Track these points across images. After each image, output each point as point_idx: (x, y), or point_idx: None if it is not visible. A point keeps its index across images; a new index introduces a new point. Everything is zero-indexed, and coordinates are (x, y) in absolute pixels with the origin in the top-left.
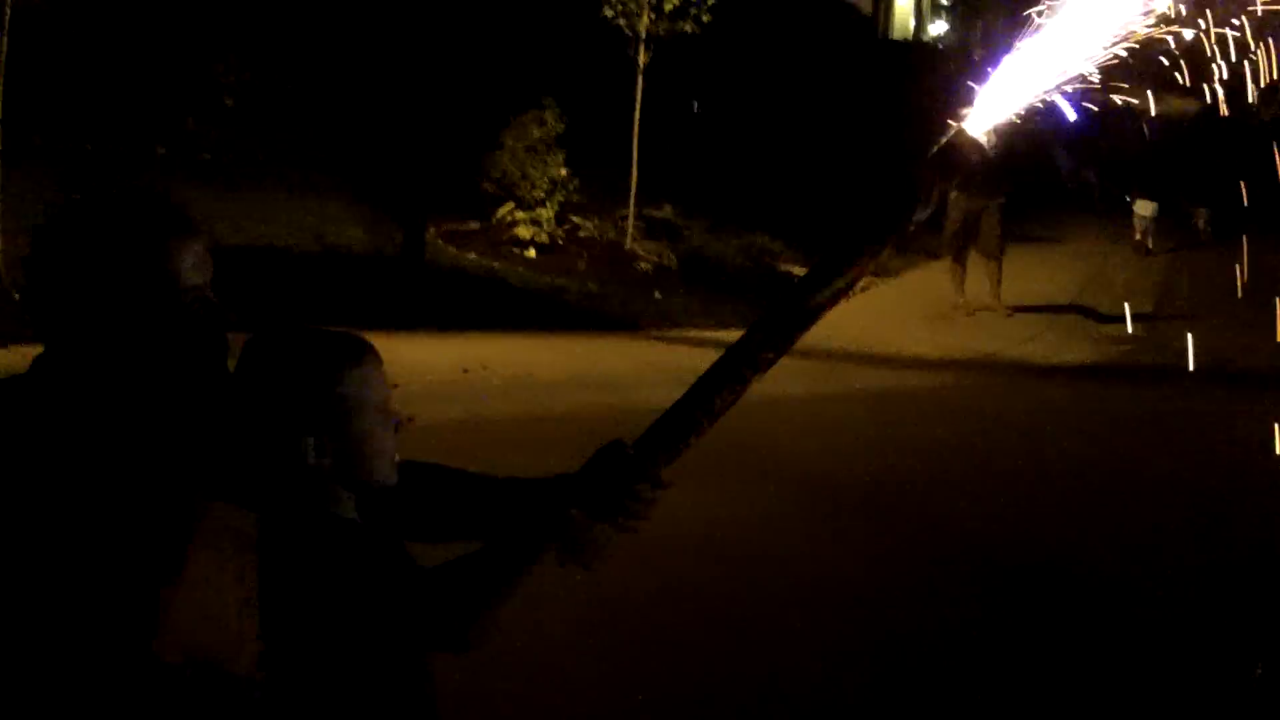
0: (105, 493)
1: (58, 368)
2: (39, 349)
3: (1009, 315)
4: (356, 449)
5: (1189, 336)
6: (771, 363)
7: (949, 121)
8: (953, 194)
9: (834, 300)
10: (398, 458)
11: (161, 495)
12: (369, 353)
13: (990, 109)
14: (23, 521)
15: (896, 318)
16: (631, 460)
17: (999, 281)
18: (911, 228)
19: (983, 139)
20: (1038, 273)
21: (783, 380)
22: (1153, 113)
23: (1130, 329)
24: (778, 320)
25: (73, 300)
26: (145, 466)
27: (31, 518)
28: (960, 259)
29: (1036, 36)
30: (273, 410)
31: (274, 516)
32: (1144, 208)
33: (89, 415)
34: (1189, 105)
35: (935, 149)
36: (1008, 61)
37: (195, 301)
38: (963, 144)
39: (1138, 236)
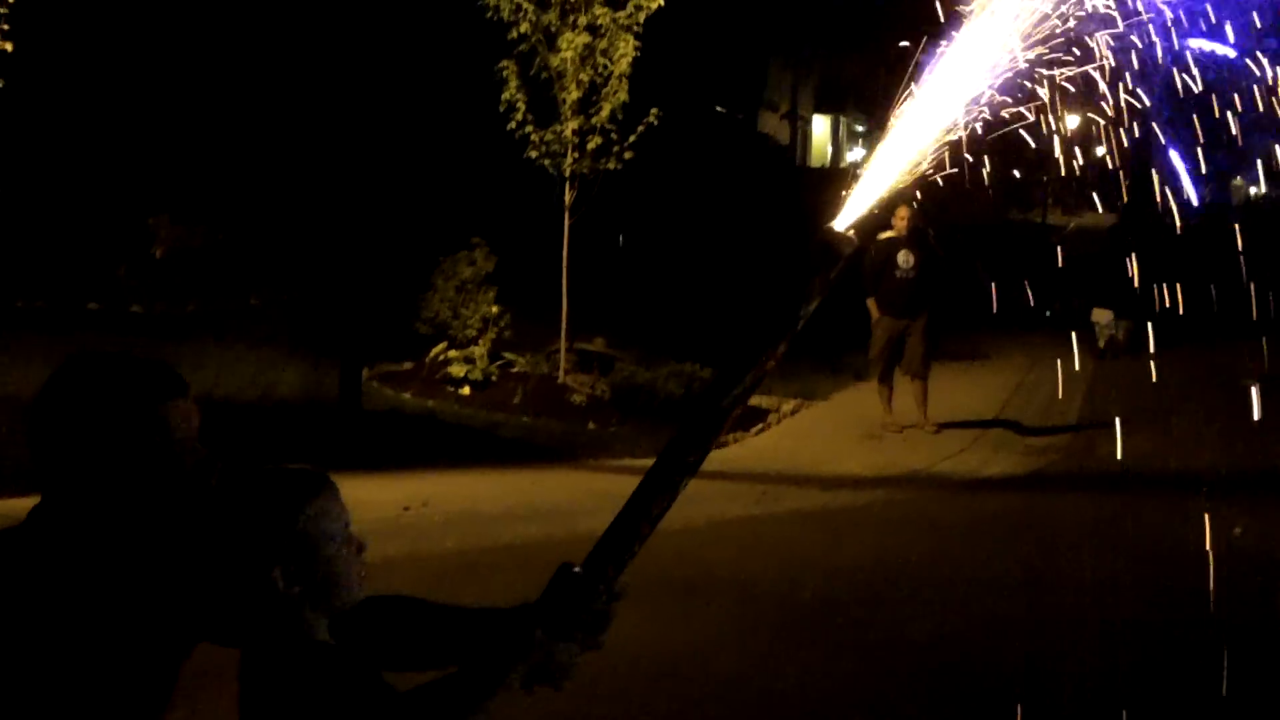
0: (98, 641)
1: (55, 520)
2: (12, 503)
3: (936, 432)
4: (324, 575)
5: (1114, 443)
6: (697, 464)
7: (820, 223)
8: (876, 315)
9: (743, 399)
10: (364, 592)
11: (151, 641)
12: (327, 484)
13: (854, 207)
14: (19, 667)
15: (828, 438)
16: (581, 576)
17: (925, 399)
18: (801, 324)
19: (849, 233)
20: (964, 388)
21: (721, 502)
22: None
23: (1056, 439)
24: (697, 426)
25: (75, 456)
26: (137, 615)
27: (28, 664)
28: (886, 379)
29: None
30: (242, 545)
31: (253, 647)
32: (1101, 315)
33: (84, 567)
34: (1104, 219)
35: (810, 248)
36: (869, 166)
37: (187, 453)
38: (833, 239)
39: (1101, 344)
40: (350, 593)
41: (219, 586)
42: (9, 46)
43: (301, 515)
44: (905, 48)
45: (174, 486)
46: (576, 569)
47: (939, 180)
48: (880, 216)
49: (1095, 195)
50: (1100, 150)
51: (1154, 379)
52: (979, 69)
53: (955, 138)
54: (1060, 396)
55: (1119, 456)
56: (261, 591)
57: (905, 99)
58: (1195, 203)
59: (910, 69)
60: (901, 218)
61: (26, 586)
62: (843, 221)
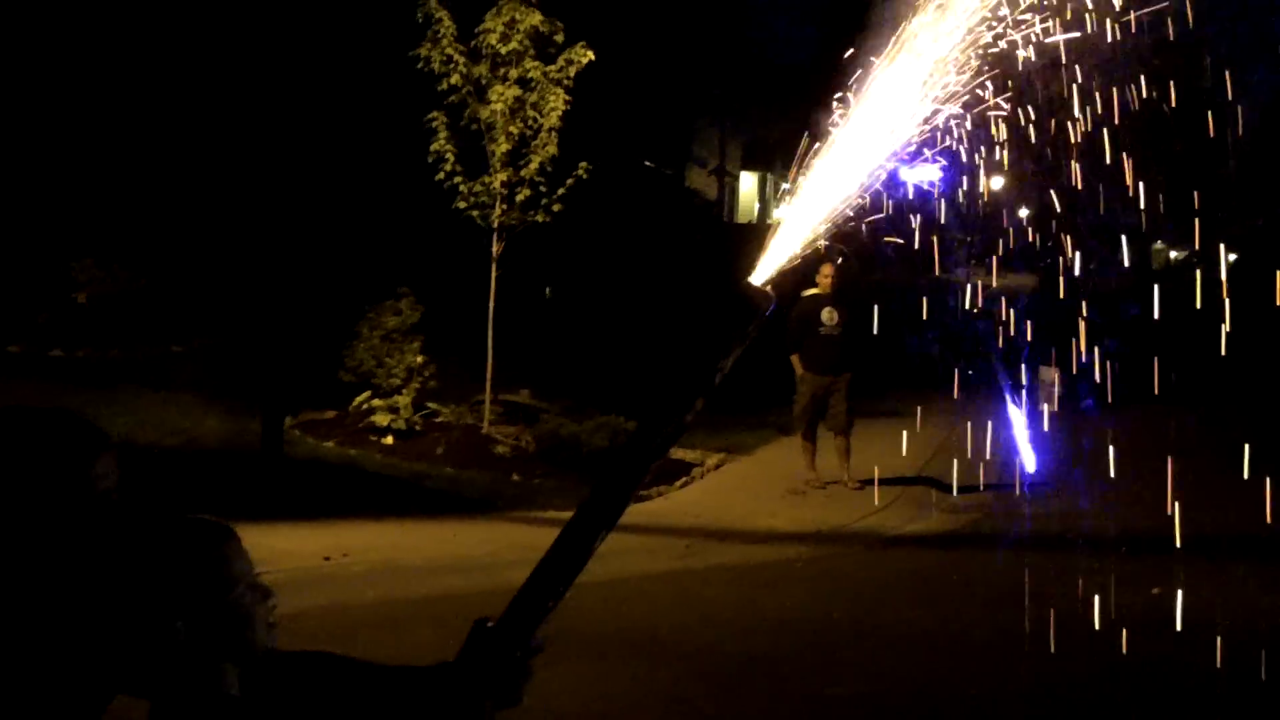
0: (16, 691)
1: None
2: None
3: (858, 488)
4: (230, 625)
5: (1037, 503)
6: (614, 519)
7: (738, 278)
8: (800, 371)
9: (660, 454)
10: (274, 641)
11: (70, 691)
12: (229, 535)
13: (772, 262)
14: None
15: (752, 493)
16: (496, 631)
17: (848, 455)
18: (719, 379)
19: (766, 288)
20: (887, 445)
21: (644, 556)
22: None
23: (978, 497)
24: (614, 481)
25: None
26: (56, 664)
27: None
28: (810, 435)
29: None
30: (145, 597)
31: (162, 698)
32: (1047, 374)
33: (22, 612)
34: (1026, 280)
35: (727, 303)
36: (786, 221)
37: (104, 505)
38: (750, 294)
39: (1045, 403)
40: (258, 642)
41: (125, 637)
42: None
43: (204, 566)
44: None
45: (92, 538)
46: (490, 624)
47: (860, 238)
48: (803, 273)
49: (1016, 257)
50: (1023, 211)
51: (1083, 437)
52: (889, 126)
53: (867, 195)
54: (983, 455)
55: (1042, 516)
56: (166, 643)
57: (815, 157)
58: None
59: (821, 130)
60: (826, 275)
61: None
62: (760, 276)
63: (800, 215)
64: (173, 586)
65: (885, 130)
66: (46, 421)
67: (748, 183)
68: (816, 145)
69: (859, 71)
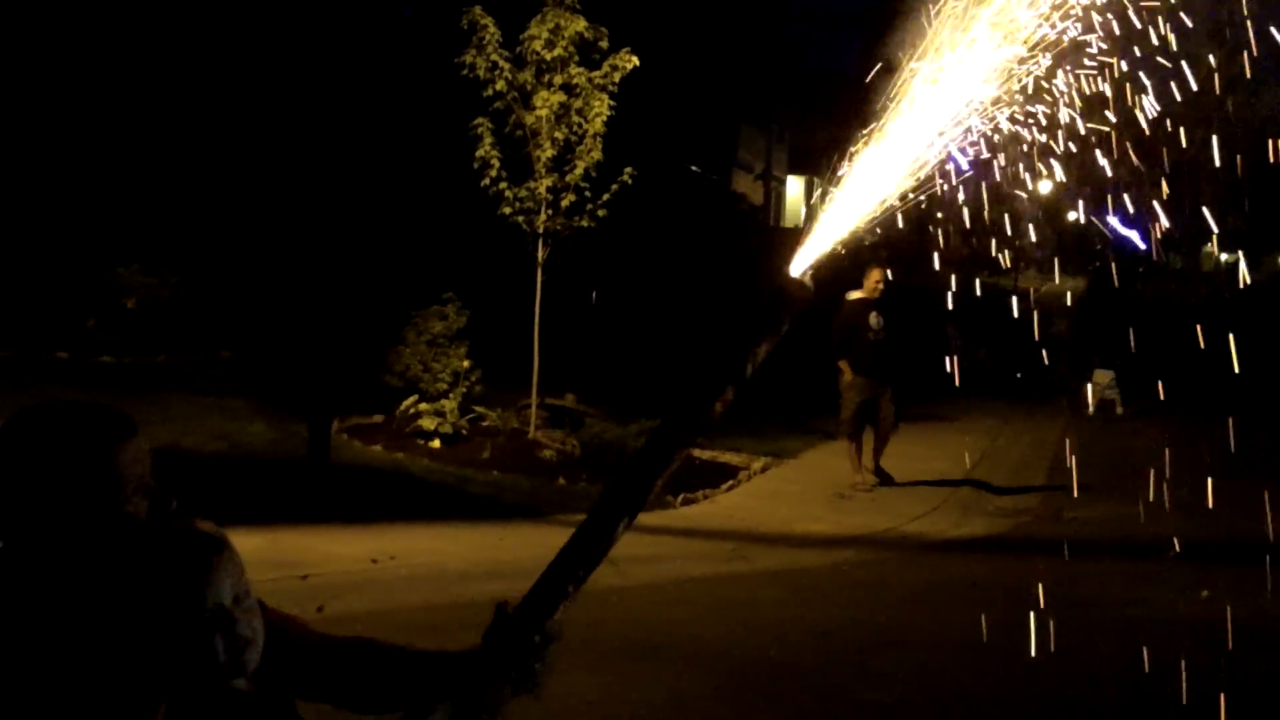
0: (61, 688)
1: (15, 564)
2: None
3: (881, 482)
4: (232, 645)
5: (1085, 507)
6: (637, 509)
7: (777, 268)
8: (848, 377)
9: (688, 445)
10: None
11: (113, 691)
12: (226, 546)
13: (810, 253)
14: None
15: (797, 497)
16: (515, 617)
17: (880, 453)
18: (750, 371)
19: (804, 279)
20: (932, 449)
21: (688, 560)
22: (1040, 291)
23: (1025, 501)
24: (640, 470)
25: (27, 503)
26: (99, 663)
27: None
28: (856, 437)
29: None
30: (151, 610)
31: (176, 700)
32: (1102, 377)
33: (44, 611)
34: (1075, 283)
35: (763, 295)
36: (826, 214)
37: (138, 491)
38: (787, 286)
39: (1091, 406)
40: (255, 647)
41: (133, 636)
42: None
43: (188, 579)
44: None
45: (123, 527)
46: (510, 609)
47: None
48: (847, 274)
49: (1058, 261)
50: (1072, 215)
51: (1131, 442)
52: (932, 120)
53: (915, 190)
54: (1030, 459)
55: (1089, 520)
56: (193, 658)
57: (859, 149)
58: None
59: (867, 125)
60: (873, 279)
61: None
62: (798, 268)
63: (839, 209)
64: (156, 594)
65: (927, 130)
66: (67, 412)
67: (794, 188)
68: (856, 143)
69: (902, 75)
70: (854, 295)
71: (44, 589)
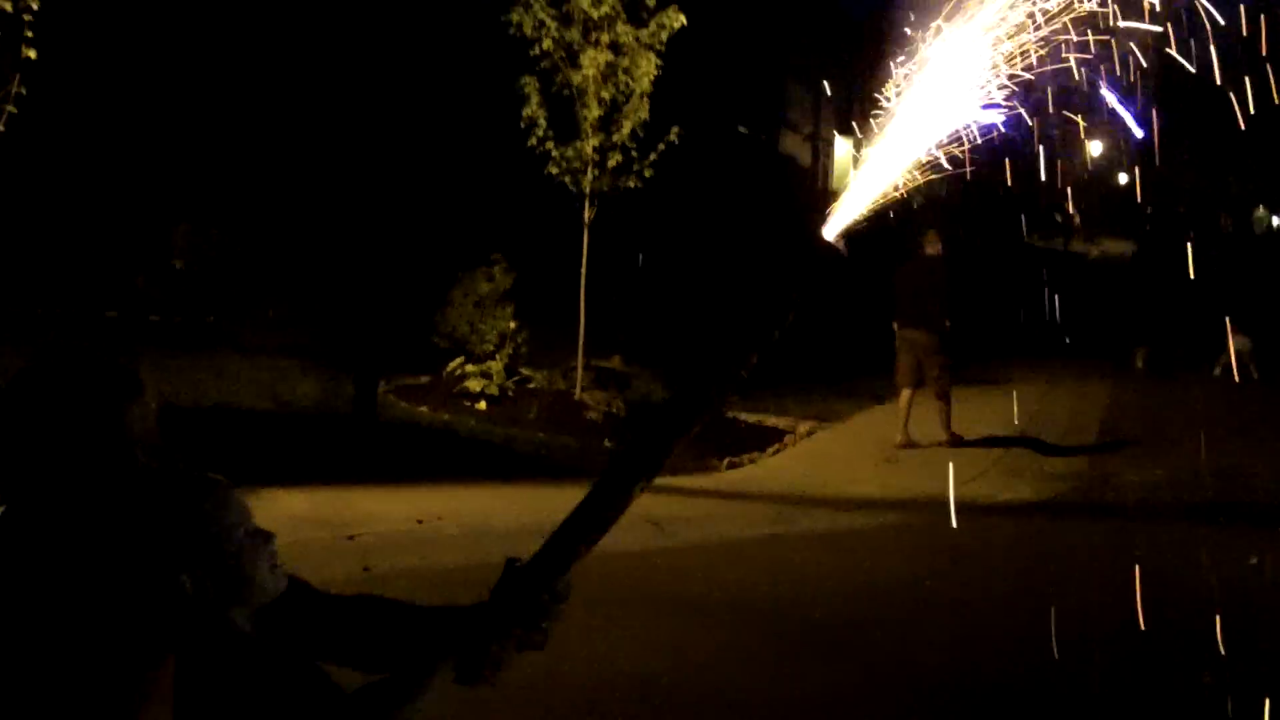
0: (71, 642)
1: (21, 522)
2: None
3: (953, 444)
4: (233, 571)
5: (1137, 470)
6: (656, 469)
7: (809, 230)
8: (901, 338)
9: (716, 404)
10: (283, 571)
11: (121, 643)
12: (219, 486)
13: (843, 217)
14: None
15: (845, 460)
16: (523, 573)
17: (947, 417)
18: (779, 333)
19: (838, 242)
20: (985, 412)
21: (735, 522)
22: (1092, 255)
23: (1075, 464)
24: (662, 430)
25: (33, 458)
26: (108, 614)
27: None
28: (909, 399)
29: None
30: (145, 555)
31: (184, 651)
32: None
33: (53, 564)
34: (1123, 246)
35: (795, 256)
36: (859, 175)
37: (144, 449)
38: (820, 248)
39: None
40: (266, 585)
41: (136, 587)
42: (33, 54)
43: (198, 519)
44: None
45: (130, 484)
46: (520, 563)
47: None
48: (907, 239)
49: (1111, 223)
50: (1123, 177)
51: (1199, 405)
52: (965, 80)
53: (948, 149)
54: (1079, 421)
55: (1141, 484)
56: (175, 598)
57: (895, 108)
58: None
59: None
60: (932, 241)
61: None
62: (832, 230)
63: (875, 169)
64: (164, 542)
65: (965, 86)
66: (73, 368)
67: (842, 148)
68: (893, 99)
69: (933, 28)
70: (921, 255)
71: (50, 544)
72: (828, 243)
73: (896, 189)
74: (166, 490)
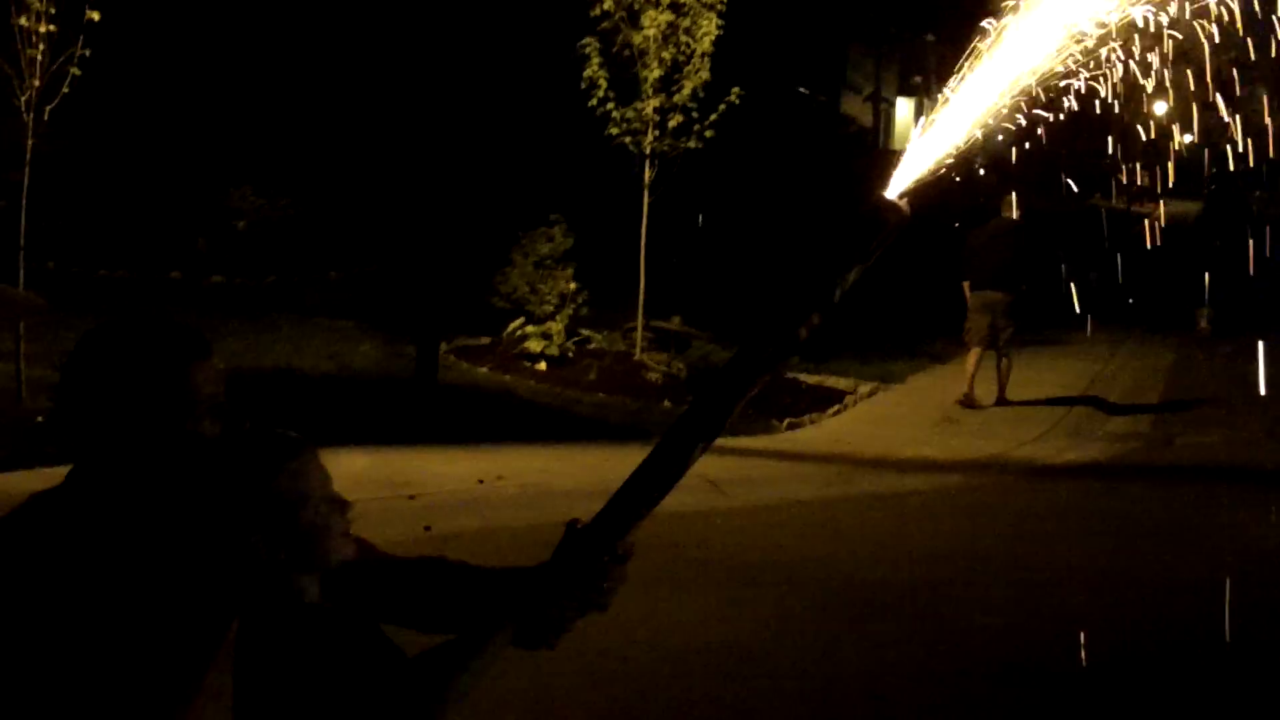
0: (137, 603)
1: (91, 482)
2: (59, 471)
3: (1002, 406)
4: (307, 537)
5: (1201, 433)
6: (717, 430)
7: (873, 190)
8: (973, 299)
9: (773, 367)
10: (353, 539)
11: (192, 606)
12: (304, 447)
13: (906, 175)
14: (55, 629)
15: (904, 421)
16: (584, 535)
17: (1006, 376)
18: (839, 295)
19: (901, 202)
20: (1047, 374)
21: (794, 484)
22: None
23: (1138, 426)
24: (722, 391)
25: (101, 419)
26: (177, 574)
27: (64, 626)
28: (978, 356)
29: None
30: (219, 515)
31: (249, 615)
32: None
33: (122, 526)
34: (1190, 207)
35: (857, 216)
36: (923, 134)
37: (210, 411)
38: (882, 207)
39: None
40: (337, 553)
41: (206, 550)
42: (96, 16)
43: (277, 481)
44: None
45: (199, 444)
46: (580, 525)
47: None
48: (987, 202)
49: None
50: (1187, 138)
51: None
52: (1042, 39)
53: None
54: (1143, 383)
55: (1201, 446)
56: (245, 559)
57: (965, 67)
58: None
59: (974, 42)
60: (1010, 205)
61: (64, 546)
62: (894, 190)
63: (940, 128)
64: (240, 503)
65: (1036, 46)
66: (142, 330)
67: (903, 109)
68: (965, 58)
69: None
70: (999, 218)
71: (118, 502)
72: (891, 201)
73: (959, 149)
74: (240, 451)
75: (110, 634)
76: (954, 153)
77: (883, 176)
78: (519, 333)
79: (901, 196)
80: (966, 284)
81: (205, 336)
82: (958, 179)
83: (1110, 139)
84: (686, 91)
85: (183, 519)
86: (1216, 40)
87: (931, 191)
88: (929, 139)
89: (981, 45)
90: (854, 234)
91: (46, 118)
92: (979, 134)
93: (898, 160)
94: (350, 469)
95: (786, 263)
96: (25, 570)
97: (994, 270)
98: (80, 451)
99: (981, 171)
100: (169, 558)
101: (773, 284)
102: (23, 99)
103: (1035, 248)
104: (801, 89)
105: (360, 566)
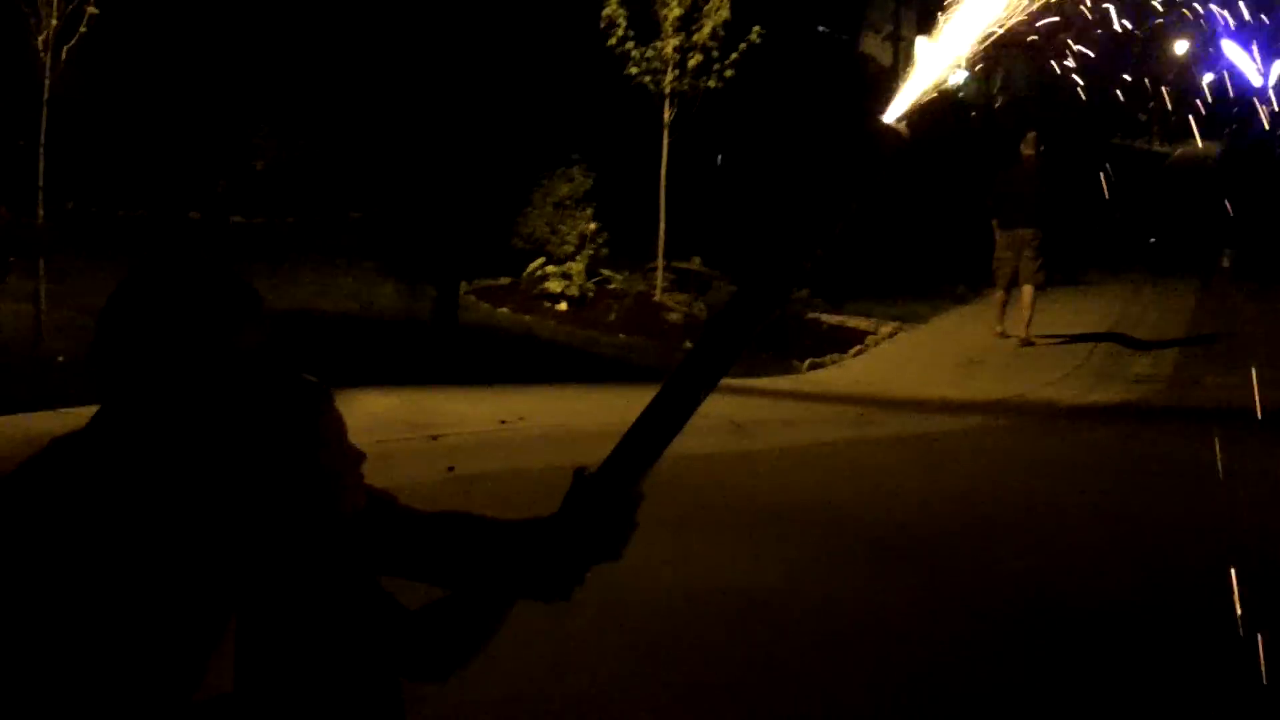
0: (164, 548)
1: (119, 424)
2: (81, 411)
3: (1027, 345)
4: (321, 485)
5: (1226, 375)
6: (722, 372)
7: (868, 114)
8: (1001, 237)
9: (780, 302)
10: (364, 490)
11: (220, 550)
12: (322, 393)
13: (904, 99)
14: (82, 573)
15: (926, 363)
16: (592, 482)
17: (1031, 311)
18: (841, 226)
19: (900, 125)
20: (1071, 315)
21: (815, 425)
22: (1176, 154)
23: (1160, 367)
24: (726, 330)
25: (142, 368)
26: (206, 520)
27: (91, 569)
28: (1006, 292)
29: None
30: (242, 463)
31: (260, 565)
32: None
33: (152, 469)
34: (1209, 149)
35: (855, 142)
36: (923, 56)
37: (255, 355)
38: (881, 132)
39: None
40: (345, 503)
41: (226, 500)
42: None
43: (296, 426)
44: None
45: (224, 395)
46: (588, 472)
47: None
48: (1009, 142)
49: (1194, 122)
50: (1208, 76)
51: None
52: None
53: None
54: (1167, 324)
55: (1226, 386)
56: (267, 509)
57: None
58: None
59: None
60: (1029, 143)
61: (90, 488)
62: (893, 113)
63: (940, 46)
64: (267, 443)
65: None
66: (186, 272)
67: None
68: None
69: None
70: (1020, 157)
71: (145, 445)
72: (889, 125)
73: (962, 63)
74: (263, 398)
75: (129, 583)
76: (960, 64)
77: (881, 101)
78: (539, 273)
79: (900, 120)
80: (995, 221)
81: (256, 291)
82: (974, 114)
83: (1127, 76)
84: (706, 30)
85: (205, 466)
86: None
87: (949, 132)
88: (925, 61)
89: None
90: (853, 162)
91: (64, 57)
92: (977, 53)
93: (894, 83)
94: (372, 409)
95: (805, 202)
96: (47, 517)
97: (1022, 208)
98: (112, 396)
99: (996, 108)
100: (189, 506)
101: (792, 224)
102: (40, 38)
103: (1058, 186)
104: (821, 27)
105: (381, 520)
